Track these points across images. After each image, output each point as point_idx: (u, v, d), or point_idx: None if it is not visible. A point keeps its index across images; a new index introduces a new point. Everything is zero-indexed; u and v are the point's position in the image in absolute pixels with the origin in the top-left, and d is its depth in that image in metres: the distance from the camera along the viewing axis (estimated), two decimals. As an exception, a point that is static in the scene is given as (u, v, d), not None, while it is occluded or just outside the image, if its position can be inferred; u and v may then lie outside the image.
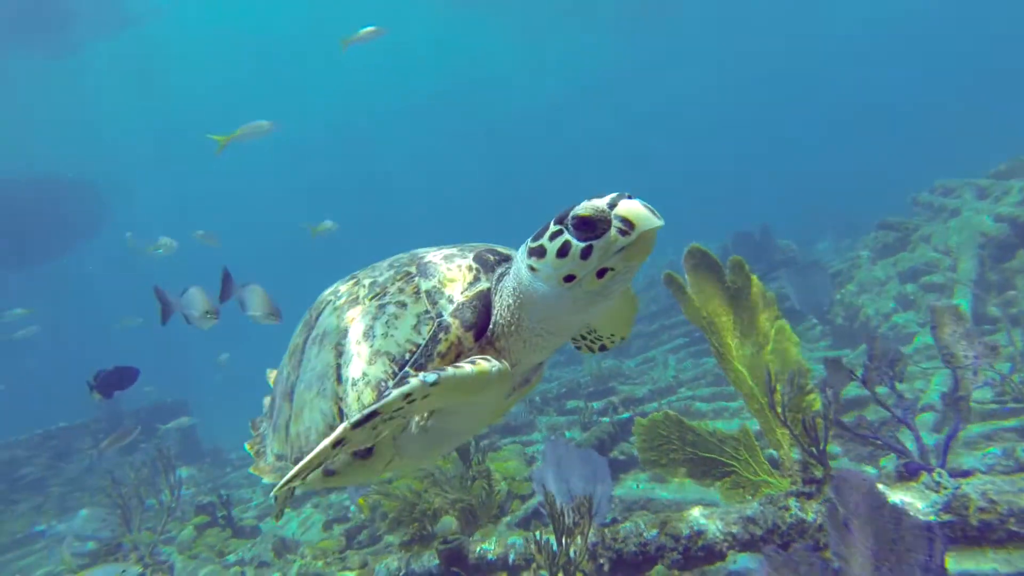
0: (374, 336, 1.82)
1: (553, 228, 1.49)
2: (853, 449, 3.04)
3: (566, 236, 1.45)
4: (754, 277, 3.48)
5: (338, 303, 2.05)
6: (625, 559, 3.47)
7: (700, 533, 3.28)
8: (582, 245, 1.43)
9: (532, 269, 1.55)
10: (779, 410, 2.98)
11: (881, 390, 3.13)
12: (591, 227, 1.41)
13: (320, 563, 4.67)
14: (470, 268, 1.87)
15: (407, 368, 1.72)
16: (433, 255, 1.98)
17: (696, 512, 3.37)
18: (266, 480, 2.16)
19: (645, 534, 3.46)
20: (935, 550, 1.45)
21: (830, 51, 46.67)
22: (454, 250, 1.99)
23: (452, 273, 1.87)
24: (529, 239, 1.59)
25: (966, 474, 2.70)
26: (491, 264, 1.88)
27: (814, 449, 2.97)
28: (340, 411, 1.82)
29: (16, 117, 22.99)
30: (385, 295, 1.92)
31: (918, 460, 2.88)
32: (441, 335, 1.73)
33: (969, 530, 2.40)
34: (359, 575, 4.29)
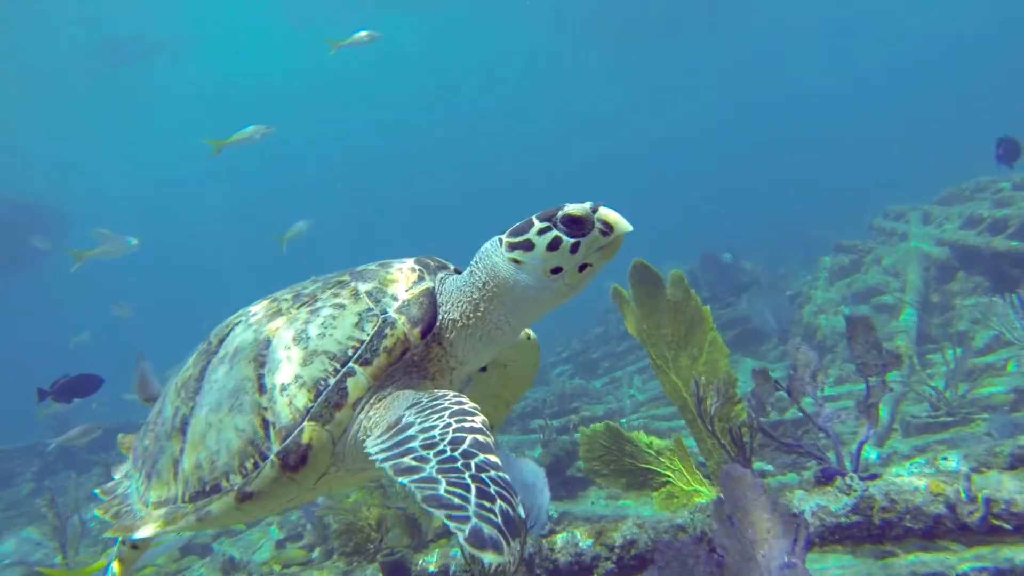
0: (307, 338, 1.73)
1: (540, 225, 1.61)
2: (779, 458, 3.14)
3: (556, 232, 1.58)
4: (692, 291, 3.61)
5: (252, 320, 1.93)
6: (561, 570, 3.50)
7: (633, 542, 3.34)
8: (572, 241, 1.57)
9: (516, 262, 1.63)
10: (707, 419, 3.08)
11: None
12: (580, 226, 1.57)
13: (266, 579, 4.59)
14: (412, 269, 1.87)
15: (351, 364, 1.66)
16: (366, 265, 1.96)
17: (630, 522, 3.43)
18: (140, 535, 1.86)
19: (580, 544, 3.50)
20: (799, 535, 1.54)
21: (797, 75, 48.34)
22: (387, 260, 2.00)
23: (393, 275, 1.85)
24: (506, 236, 1.66)
25: (873, 477, 2.81)
26: (432, 267, 1.90)
27: (741, 457, 3.07)
28: (265, 422, 1.68)
29: None
30: (316, 302, 1.84)
31: (835, 466, 2.99)
32: (387, 330, 1.69)
33: (873, 529, 2.52)
34: (302, 590, 4.24)
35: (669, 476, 3.51)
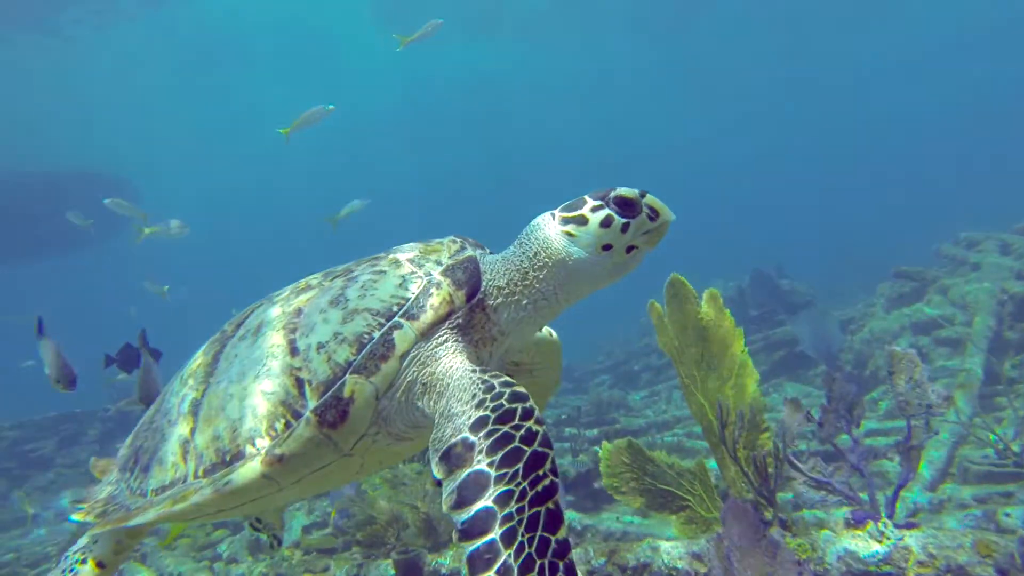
0: (346, 300, 1.68)
1: (594, 202, 1.64)
2: (806, 492, 2.98)
3: (608, 211, 1.61)
4: (726, 311, 3.47)
5: (278, 298, 1.89)
6: (573, 585, 3.44)
7: (646, 565, 3.24)
8: (623, 220, 1.61)
9: (569, 235, 1.65)
10: (730, 445, 2.95)
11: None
12: (631, 207, 1.62)
13: (286, 564, 4.71)
14: (453, 241, 1.87)
15: (397, 318, 1.62)
16: (401, 245, 1.95)
17: (645, 544, 3.33)
18: (138, 521, 1.73)
19: (593, 562, 3.43)
20: (798, 585, 1.43)
21: (867, 93, 46.19)
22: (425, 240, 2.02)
23: (434, 245, 1.85)
24: (559, 210, 1.70)
25: (911, 526, 2.62)
26: (472, 243, 1.91)
27: (764, 489, 2.92)
28: (298, 381, 1.59)
29: (48, 108, 23.85)
30: (351, 273, 1.80)
31: (868, 508, 2.81)
32: (433, 290, 1.67)
33: (903, 583, 2.33)
34: (319, 577, 4.32)
35: (689, 500, 3.39)
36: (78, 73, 24.65)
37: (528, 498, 1.29)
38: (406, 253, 1.82)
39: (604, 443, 3.80)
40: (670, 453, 7.34)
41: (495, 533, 1.25)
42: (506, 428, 1.39)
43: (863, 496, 2.90)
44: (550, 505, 1.28)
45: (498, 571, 1.22)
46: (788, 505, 3.63)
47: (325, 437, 1.55)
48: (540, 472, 1.32)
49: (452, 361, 1.62)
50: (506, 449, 1.36)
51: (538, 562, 1.21)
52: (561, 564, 1.23)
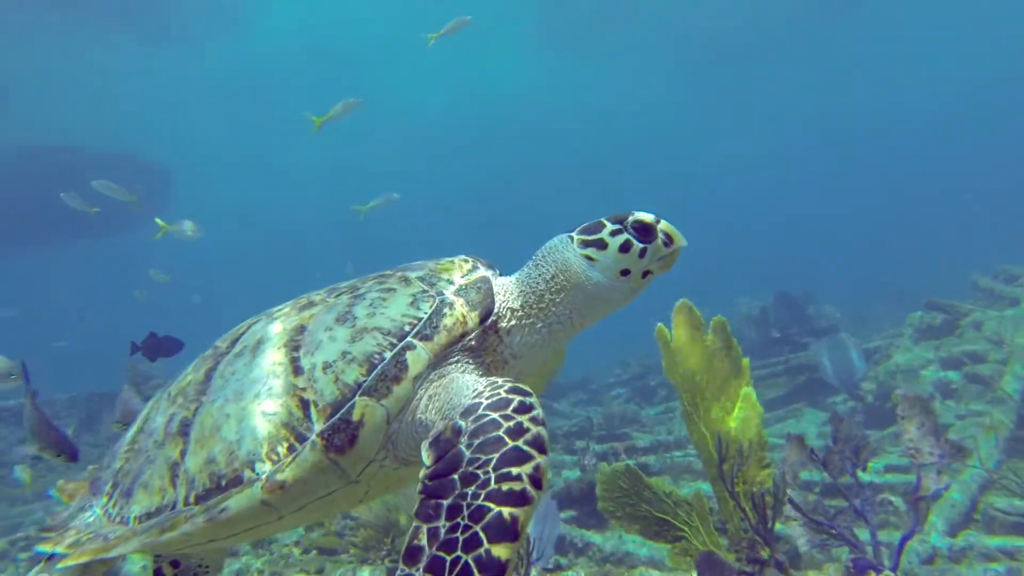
0: (354, 318, 1.60)
1: (612, 227, 1.64)
2: (806, 534, 2.87)
3: (627, 235, 1.62)
4: (733, 340, 3.38)
5: (278, 314, 1.79)
6: (561, 609, 3.38)
7: (636, 596, 3.17)
8: (641, 246, 1.62)
9: (589, 259, 1.64)
10: (728, 480, 2.86)
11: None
12: (648, 233, 1.62)
13: (283, 563, 4.74)
14: (465, 260, 1.82)
15: (409, 339, 1.54)
16: (409, 263, 1.90)
17: (637, 573, 3.26)
18: (119, 551, 1.55)
19: (583, 587, 3.37)
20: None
21: (910, 121, 45.01)
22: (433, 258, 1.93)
23: (444, 264, 1.80)
24: (577, 232, 1.68)
25: (915, 582, 2.50)
26: (484, 262, 1.86)
27: (761, 527, 2.83)
28: (303, 403, 1.48)
29: (99, 93, 24.56)
30: (358, 290, 1.72)
31: (870, 558, 2.69)
32: (446, 310, 1.61)
33: (894, 642, 2.22)
34: (311, 579, 4.33)
35: (685, 531, 3.30)
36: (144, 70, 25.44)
37: (487, 491, 1.20)
38: (415, 271, 1.77)
39: (603, 465, 3.73)
40: (679, 473, 7.27)
41: (445, 502, 1.22)
42: (495, 415, 1.32)
43: (866, 536, 2.78)
44: (505, 512, 1.17)
45: (429, 531, 1.20)
46: (788, 543, 3.52)
47: (332, 463, 1.45)
48: (513, 471, 1.22)
49: (463, 379, 1.55)
50: (488, 436, 1.29)
51: (451, 557, 1.14)
52: (475, 573, 1.11)
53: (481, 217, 63.46)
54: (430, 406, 1.53)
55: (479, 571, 1.11)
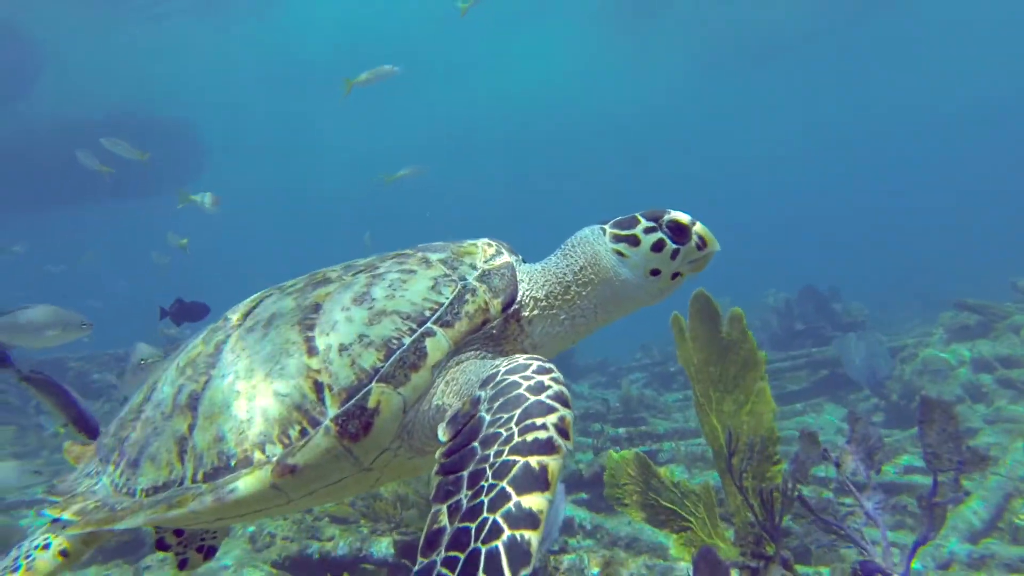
0: (372, 299, 1.55)
1: (647, 224, 1.60)
2: (813, 532, 2.83)
3: (661, 234, 1.58)
4: (749, 333, 3.31)
5: (291, 289, 1.73)
6: (563, 591, 3.40)
7: (637, 583, 3.17)
8: (674, 247, 1.58)
9: (620, 254, 1.61)
10: (736, 475, 2.82)
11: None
12: (683, 234, 1.59)
13: (294, 529, 4.85)
14: (488, 244, 1.77)
15: (429, 324, 1.50)
16: (429, 243, 1.83)
17: (640, 561, 3.26)
18: (125, 525, 1.52)
19: (586, 571, 3.38)
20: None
21: (951, 119, 43.27)
22: (455, 240, 1.86)
23: (467, 247, 1.75)
24: (610, 226, 1.64)
25: (924, 588, 2.44)
26: (508, 247, 1.81)
27: (768, 523, 2.79)
28: (317, 385, 1.44)
29: (127, 57, 24.81)
30: (376, 269, 1.66)
31: (878, 561, 2.64)
32: (468, 296, 1.56)
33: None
34: (322, 546, 4.43)
35: (691, 522, 3.28)
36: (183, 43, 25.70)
37: (511, 445, 1.14)
38: (437, 252, 1.71)
39: (611, 452, 3.72)
40: (694, 461, 7.22)
41: (466, 471, 1.15)
42: (515, 377, 1.29)
43: (877, 533, 2.72)
44: (533, 461, 1.09)
45: (450, 508, 1.11)
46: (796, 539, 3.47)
47: (345, 450, 1.41)
48: (537, 421, 1.17)
49: (481, 364, 1.51)
50: (508, 395, 1.25)
51: (476, 522, 1.03)
52: (506, 530, 1.00)
53: (511, 204, 63.32)
54: (447, 391, 1.49)
55: (510, 526, 1.01)
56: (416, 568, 1.06)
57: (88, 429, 3.17)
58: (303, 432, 1.41)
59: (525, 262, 1.81)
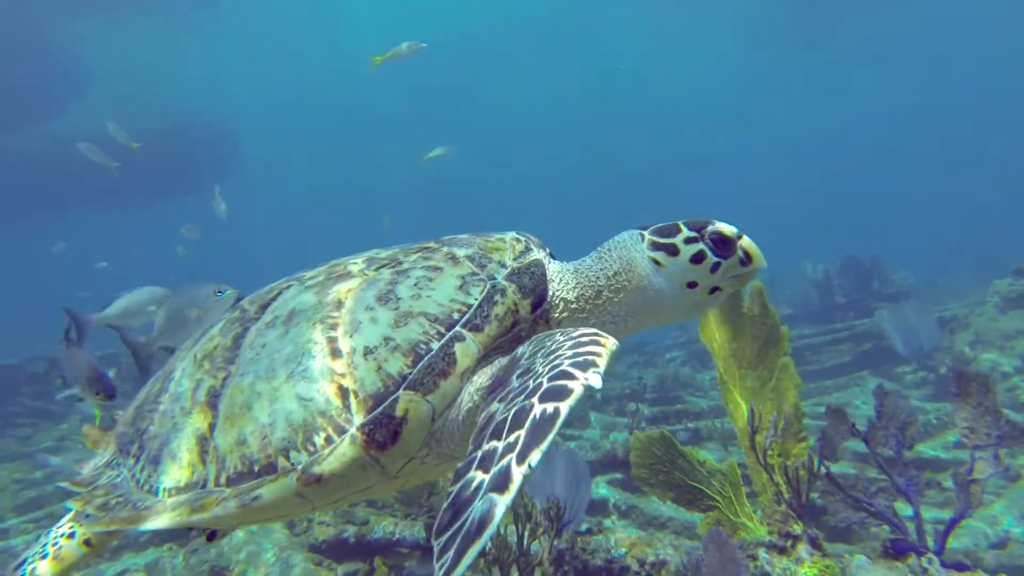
0: (397, 299, 1.48)
1: (688, 233, 1.53)
2: (843, 511, 2.74)
3: (702, 245, 1.51)
4: (771, 307, 3.20)
5: (311, 282, 1.66)
6: (590, 572, 3.40)
7: (664, 563, 3.14)
8: (715, 260, 1.50)
9: (656, 263, 1.55)
10: (760, 452, 2.75)
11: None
12: (727, 247, 1.51)
13: (331, 513, 4.98)
14: (517, 239, 1.69)
15: (459, 328, 1.43)
16: (455, 236, 1.77)
17: (667, 541, 3.23)
18: (150, 526, 1.48)
19: (613, 551, 3.37)
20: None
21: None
22: (481, 232, 1.79)
23: (494, 242, 1.67)
24: (649, 232, 1.58)
25: (961, 568, 2.34)
26: (537, 242, 1.74)
27: (795, 501, 2.72)
28: (342, 390, 1.38)
29: (160, 59, 25.40)
30: (400, 264, 1.60)
31: (911, 539, 2.54)
32: (497, 297, 1.49)
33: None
34: (358, 530, 4.55)
35: (718, 501, 3.22)
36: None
37: (551, 362, 1.14)
38: (463, 248, 1.64)
39: (636, 432, 3.68)
40: (729, 440, 7.09)
41: (501, 405, 1.13)
42: (556, 335, 1.28)
43: (910, 510, 2.63)
44: (581, 351, 1.13)
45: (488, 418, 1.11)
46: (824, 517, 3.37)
47: (372, 459, 1.36)
48: (581, 349, 1.16)
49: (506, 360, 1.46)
50: (549, 344, 1.24)
51: (500, 463, 0.96)
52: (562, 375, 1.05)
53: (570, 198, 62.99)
54: (475, 395, 1.43)
55: (572, 371, 1.07)
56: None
57: (107, 390, 3.20)
58: (328, 439, 1.36)
59: (554, 259, 1.75)
